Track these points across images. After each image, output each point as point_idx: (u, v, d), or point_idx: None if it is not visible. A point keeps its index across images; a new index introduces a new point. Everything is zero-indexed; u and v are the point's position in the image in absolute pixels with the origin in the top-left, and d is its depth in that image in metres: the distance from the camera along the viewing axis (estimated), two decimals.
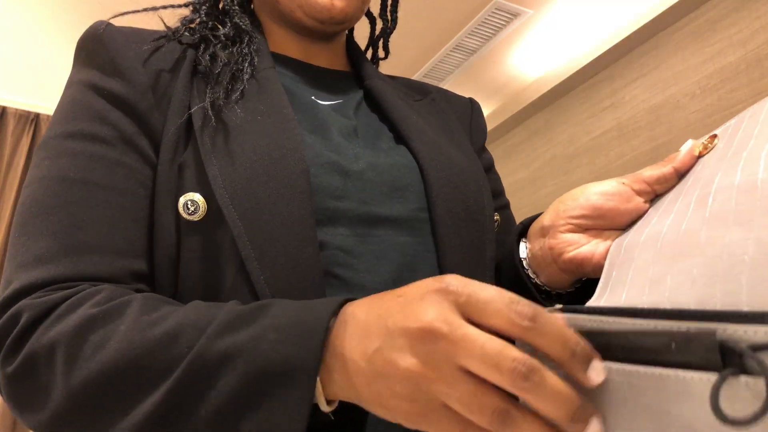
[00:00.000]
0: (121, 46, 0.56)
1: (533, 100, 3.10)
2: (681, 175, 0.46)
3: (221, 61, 0.58)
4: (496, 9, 2.57)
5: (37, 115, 3.09)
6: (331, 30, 0.66)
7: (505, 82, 3.14)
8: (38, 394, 0.42)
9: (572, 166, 2.94)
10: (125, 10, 0.64)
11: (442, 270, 0.56)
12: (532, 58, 2.94)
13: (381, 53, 0.81)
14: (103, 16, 2.63)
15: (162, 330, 0.41)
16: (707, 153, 0.44)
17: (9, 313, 0.45)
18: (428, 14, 2.59)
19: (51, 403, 0.42)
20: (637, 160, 2.58)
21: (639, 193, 0.48)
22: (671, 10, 2.41)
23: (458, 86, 3.12)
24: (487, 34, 2.74)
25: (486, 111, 3.33)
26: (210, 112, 0.53)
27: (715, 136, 0.44)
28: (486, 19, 2.63)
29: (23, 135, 3.04)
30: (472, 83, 3.12)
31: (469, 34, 2.73)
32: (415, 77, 2.98)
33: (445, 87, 3.10)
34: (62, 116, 0.55)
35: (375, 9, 0.78)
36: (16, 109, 3.05)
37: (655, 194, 0.48)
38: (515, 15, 2.62)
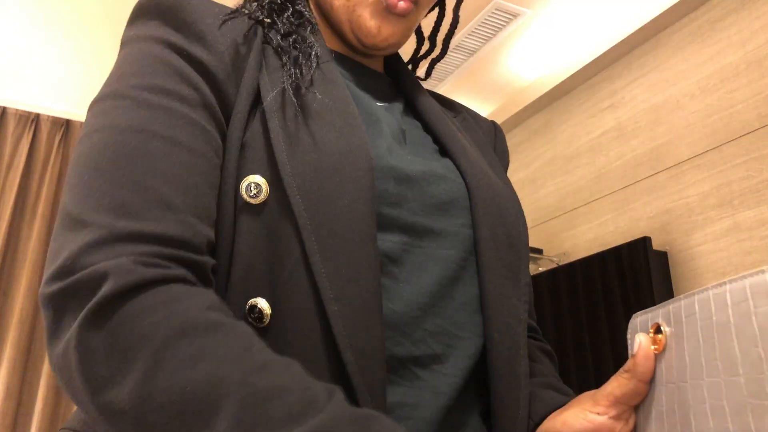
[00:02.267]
0: (200, 10, 0.54)
1: (533, 100, 3.10)
2: (647, 380, 0.46)
3: (298, 43, 0.56)
4: (495, 9, 2.57)
5: (38, 116, 3.09)
6: (371, 54, 0.65)
7: (505, 83, 3.14)
8: (108, 376, 0.39)
9: (572, 166, 2.95)
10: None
11: (482, 289, 0.56)
12: (532, 58, 2.94)
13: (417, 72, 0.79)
14: (105, 17, 2.63)
15: (266, 384, 0.37)
16: (662, 352, 0.45)
17: (93, 268, 0.41)
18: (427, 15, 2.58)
19: (116, 392, 0.38)
20: (637, 160, 2.58)
21: (617, 417, 0.48)
22: (671, 10, 2.42)
23: (458, 87, 3.12)
24: (486, 34, 2.74)
25: (486, 111, 3.33)
26: (290, 95, 0.52)
27: (658, 325, 0.45)
28: (486, 19, 2.63)
29: (23, 135, 3.04)
30: (472, 84, 3.12)
31: (469, 34, 2.73)
32: None
33: (444, 87, 3.11)
34: (135, 69, 0.50)
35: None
36: (16, 110, 3.05)
37: (632, 408, 0.48)
38: (515, 15, 2.62)
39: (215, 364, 0.37)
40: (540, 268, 2.97)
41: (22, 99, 3.07)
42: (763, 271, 0.35)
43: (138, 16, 0.55)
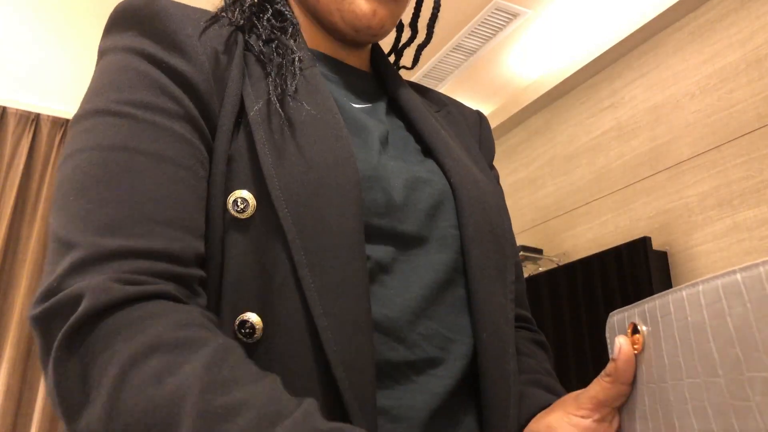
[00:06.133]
0: (179, 19, 0.52)
1: (533, 100, 3.10)
2: (629, 382, 0.46)
3: (281, 49, 0.55)
4: (495, 9, 2.57)
5: (38, 115, 3.09)
6: (363, 40, 0.64)
7: (505, 83, 3.14)
8: (81, 400, 0.39)
9: (572, 166, 2.94)
10: None
11: (470, 289, 0.56)
12: (532, 58, 2.94)
13: (403, 61, 0.78)
14: (104, 17, 2.63)
15: (225, 401, 0.37)
16: (641, 351, 0.45)
17: (69, 291, 0.41)
18: (427, 15, 2.59)
19: (87, 417, 0.39)
20: (637, 160, 2.58)
21: (601, 420, 0.48)
22: (671, 10, 2.41)
23: (458, 87, 3.12)
24: (486, 34, 2.74)
25: (486, 111, 3.33)
26: (275, 107, 0.51)
27: (634, 324, 0.45)
28: (486, 19, 2.63)
29: (23, 135, 3.04)
30: (472, 84, 3.12)
31: (469, 34, 2.73)
32: (414, 78, 2.98)
33: (444, 87, 3.10)
34: (115, 83, 0.50)
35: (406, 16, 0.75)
36: (17, 109, 3.05)
37: (616, 410, 0.48)
38: (515, 15, 2.62)
39: (177, 382, 0.37)
40: (540, 268, 2.97)
41: (22, 99, 3.07)
42: (734, 272, 0.35)
43: (114, 25, 0.54)
